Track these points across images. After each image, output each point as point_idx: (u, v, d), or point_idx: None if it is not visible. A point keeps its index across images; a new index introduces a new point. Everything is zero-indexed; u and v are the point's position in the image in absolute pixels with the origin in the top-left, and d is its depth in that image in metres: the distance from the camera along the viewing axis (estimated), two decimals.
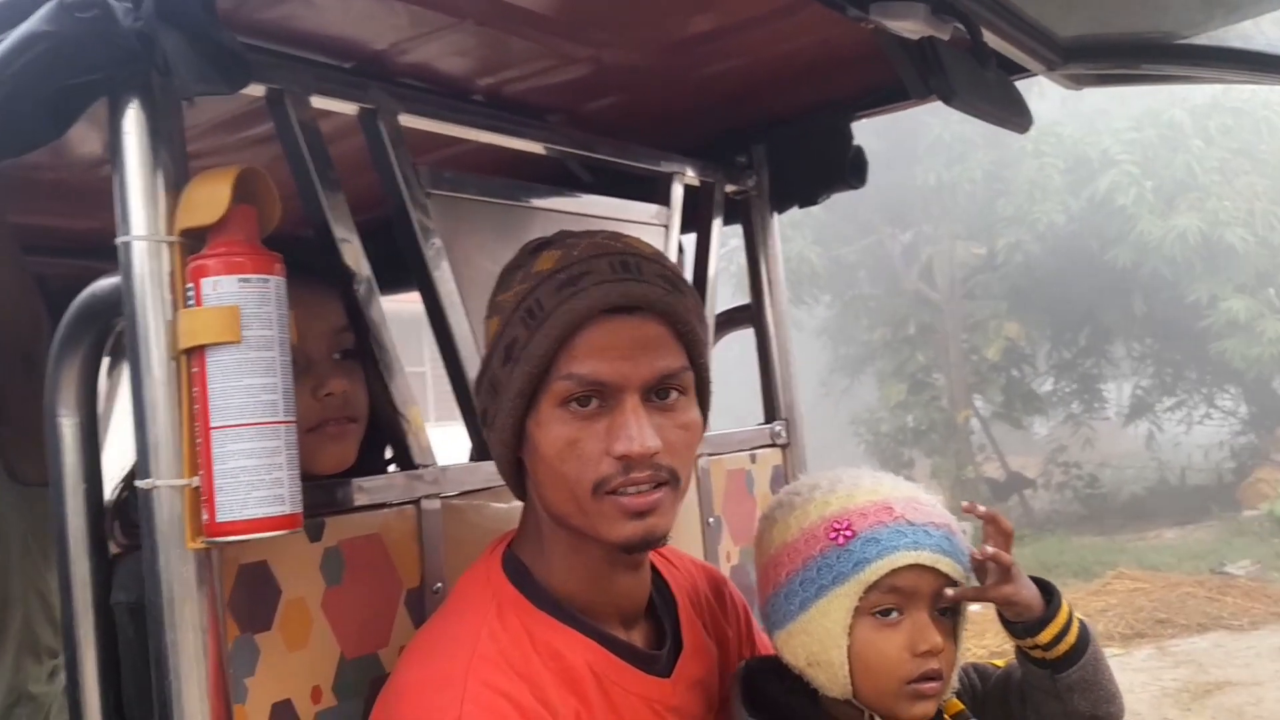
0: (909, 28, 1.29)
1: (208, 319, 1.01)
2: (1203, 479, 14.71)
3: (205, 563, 1.03)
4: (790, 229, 12.95)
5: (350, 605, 1.22)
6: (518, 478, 1.17)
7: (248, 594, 1.12)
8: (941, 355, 14.31)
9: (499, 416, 1.12)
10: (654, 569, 1.27)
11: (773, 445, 2.02)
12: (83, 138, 1.66)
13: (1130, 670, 6.84)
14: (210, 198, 1.02)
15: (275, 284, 1.04)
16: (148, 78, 1.04)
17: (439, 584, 1.32)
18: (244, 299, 1.01)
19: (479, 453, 1.44)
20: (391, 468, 1.40)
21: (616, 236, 1.17)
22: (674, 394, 1.12)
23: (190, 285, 1.02)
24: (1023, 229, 12.81)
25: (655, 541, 1.11)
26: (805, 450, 2.07)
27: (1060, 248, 13.33)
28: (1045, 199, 12.59)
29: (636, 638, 1.21)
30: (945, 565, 1.17)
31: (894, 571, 1.16)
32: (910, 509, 1.19)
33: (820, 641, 1.17)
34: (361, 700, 1.21)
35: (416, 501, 1.31)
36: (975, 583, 1.21)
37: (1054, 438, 15.14)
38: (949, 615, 1.20)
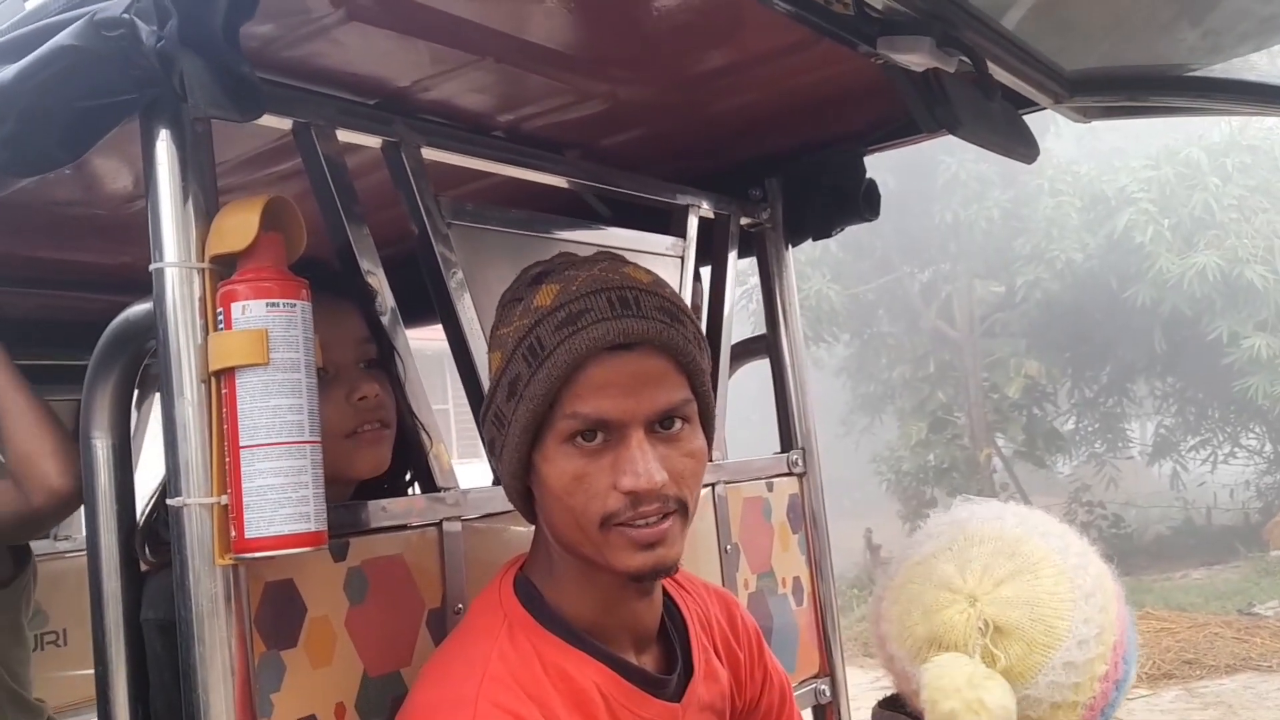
0: (914, 60, 1.32)
1: (237, 342, 1.04)
2: (1229, 519, 14.54)
3: (233, 579, 1.07)
4: (809, 267, 12.99)
5: (373, 624, 1.25)
6: (527, 504, 1.19)
7: (274, 611, 1.14)
8: (962, 393, 14.26)
9: (505, 449, 1.14)
10: (665, 593, 1.29)
11: (789, 474, 2.04)
12: (115, 173, 1.72)
13: (1158, 712, 6.75)
14: (240, 225, 1.06)
15: (302, 308, 1.08)
16: (178, 107, 1.08)
17: (460, 605, 1.34)
18: (272, 322, 1.05)
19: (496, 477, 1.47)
20: (412, 490, 1.43)
21: (615, 267, 1.16)
22: (678, 424, 1.13)
23: (220, 310, 1.06)
24: (1041, 267, 12.80)
25: (665, 571, 1.13)
26: (821, 479, 2.08)
27: (1079, 285, 13.30)
28: (1063, 237, 12.59)
29: (647, 662, 1.23)
30: None
31: None
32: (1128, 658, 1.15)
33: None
34: (383, 718, 1.23)
35: (439, 524, 1.34)
36: None
37: (1077, 477, 15.02)
38: None
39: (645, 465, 1.07)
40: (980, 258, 13.89)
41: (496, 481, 1.47)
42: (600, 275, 1.13)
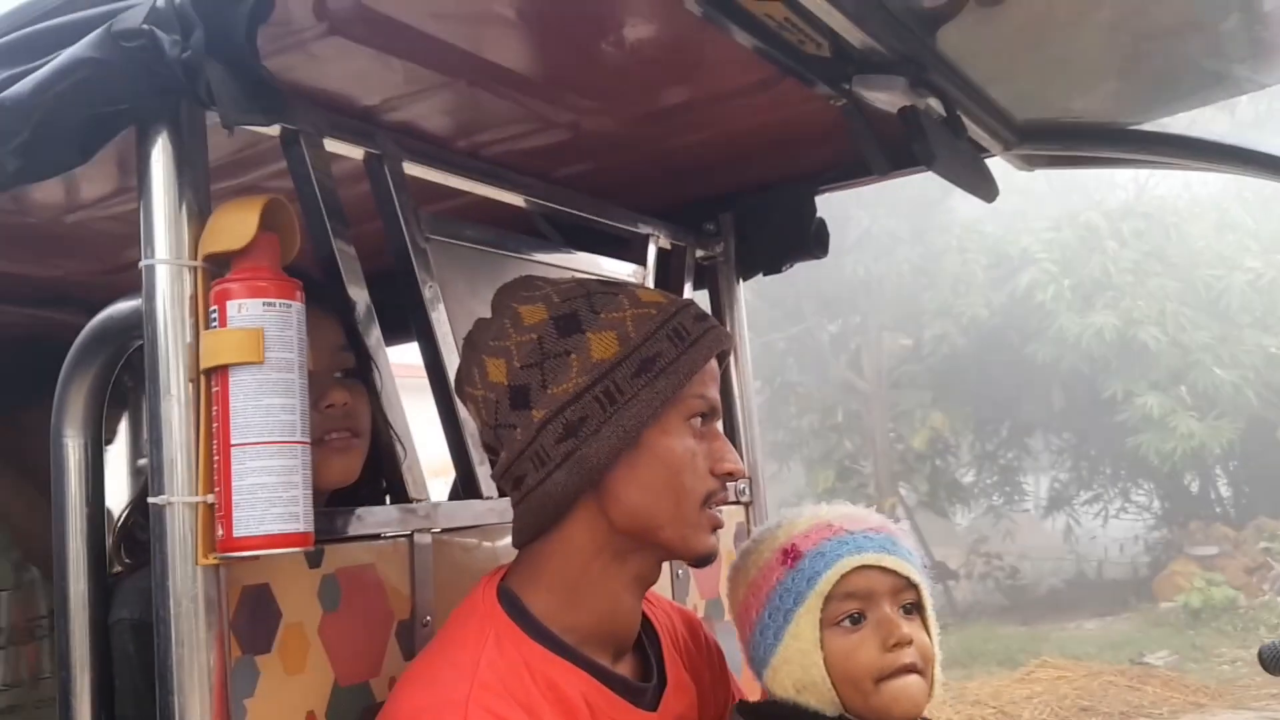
0: (889, 99, 1.38)
1: (232, 340, 1.04)
2: (1119, 572, 15.00)
3: (213, 581, 1.05)
4: None
5: (345, 633, 1.24)
6: (572, 501, 1.18)
7: (250, 615, 1.13)
8: (869, 443, 14.52)
9: (611, 425, 1.16)
10: None
11: (737, 503, 2.07)
12: (47, 187, 1.68)
13: None
14: (237, 224, 1.05)
15: (296, 309, 1.08)
16: (177, 108, 1.08)
17: (429, 617, 1.33)
18: (267, 322, 1.05)
19: (461, 491, 1.47)
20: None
21: None
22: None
23: (215, 307, 1.05)
24: (948, 321, 13.15)
25: (715, 558, 1.24)
26: (766, 509, 2.12)
27: (983, 341, 13.68)
28: (969, 293, 12.97)
29: (625, 670, 1.24)
30: (891, 562, 1.24)
31: (844, 577, 1.22)
32: (848, 521, 1.28)
33: (800, 665, 1.22)
34: None
35: (410, 535, 1.33)
36: (926, 577, 1.27)
37: (975, 528, 15.37)
38: (915, 611, 1.26)
39: (736, 454, 1.23)
40: (889, 311, 14.23)
41: (455, 495, 1.47)
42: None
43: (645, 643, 1.30)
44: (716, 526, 1.22)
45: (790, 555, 1.25)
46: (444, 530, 1.39)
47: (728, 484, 1.23)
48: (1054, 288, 12.32)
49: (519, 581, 1.22)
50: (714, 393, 1.23)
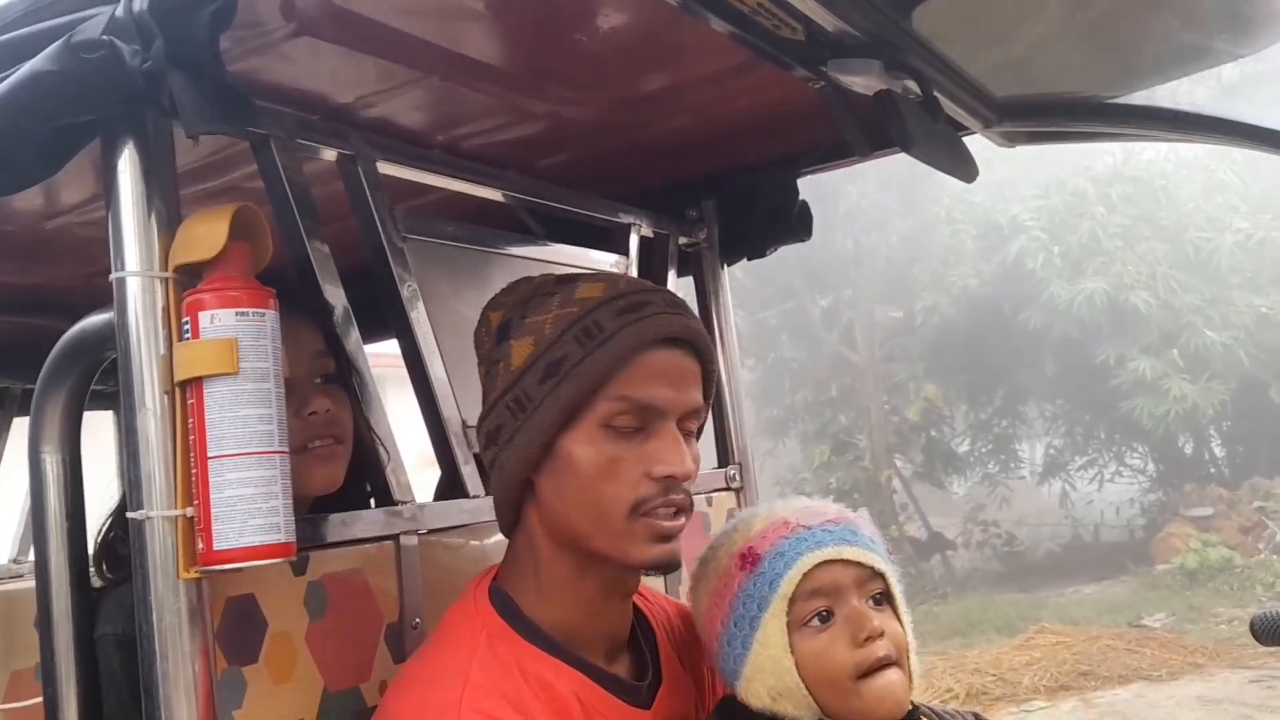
0: (864, 83, 1.37)
1: (206, 351, 1.03)
2: (1116, 535, 15.06)
3: (196, 594, 1.04)
4: None
5: (333, 639, 1.23)
6: (517, 501, 1.19)
7: (235, 626, 1.12)
8: (863, 416, 14.55)
9: (522, 433, 1.14)
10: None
11: (727, 489, 2.07)
12: (28, 193, 1.66)
13: None
14: (208, 234, 1.04)
15: (270, 318, 1.07)
16: (143, 118, 1.07)
17: (417, 620, 1.33)
18: (241, 332, 1.04)
19: (447, 491, 1.46)
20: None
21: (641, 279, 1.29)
22: (696, 428, 1.20)
23: (187, 319, 1.04)
24: (939, 293, 13.15)
25: (674, 566, 1.17)
26: (757, 493, 2.12)
27: (974, 311, 13.68)
28: (959, 264, 12.97)
29: (620, 669, 1.24)
30: (853, 553, 1.20)
31: (806, 576, 1.18)
32: (804, 515, 1.23)
33: (773, 672, 1.18)
34: None
35: (395, 537, 1.32)
36: (892, 564, 1.24)
37: (971, 497, 15.41)
38: (884, 601, 1.22)
39: (680, 454, 1.13)
40: (880, 284, 14.23)
41: (440, 496, 1.46)
42: (638, 280, 1.25)
43: (641, 641, 1.29)
44: (660, 535, 1.14)
45: (748, 559, 1.21)
46: (430, 531, 1.38)
47: (675, 486, 1.14)
48: (1044, 255, 12.31)
49: (509, 581, 1.21)
50: (652, 391, 1.13)
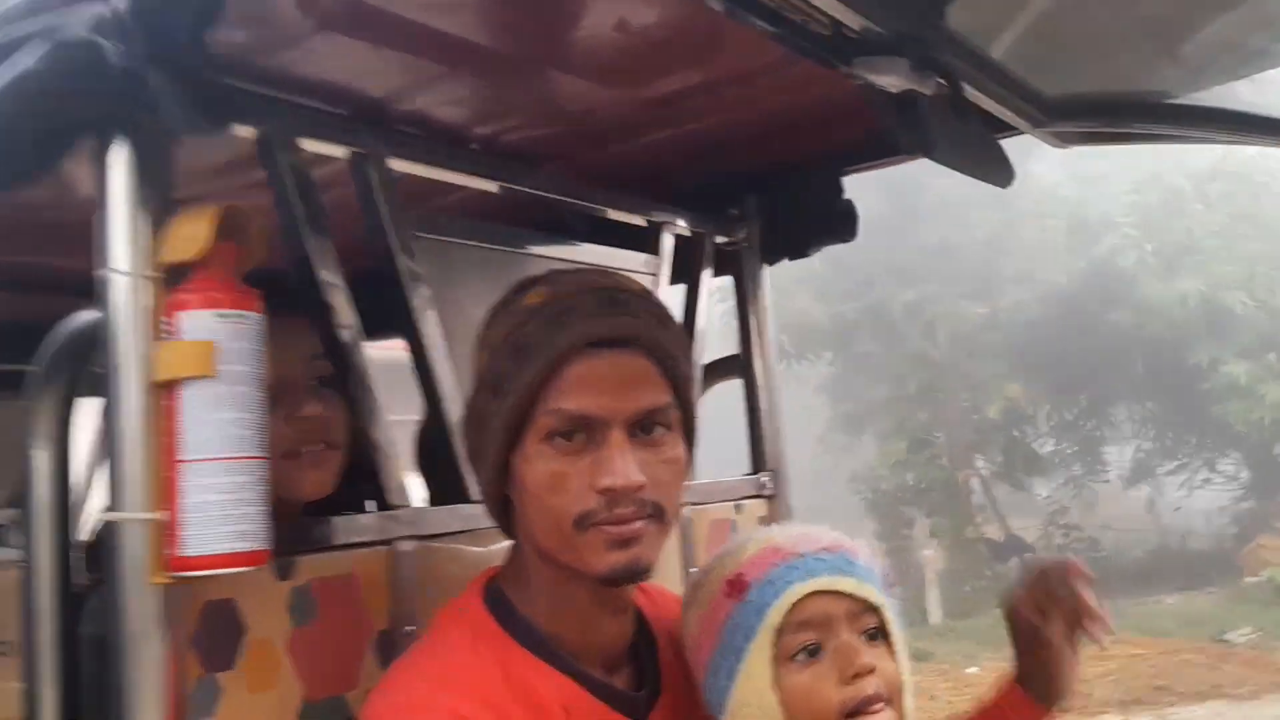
0: (891, 82, 1.30)
1: (183, 352, 1.01)
2: (1204, 544, 14.60)
3: (169, 599, 1.03)
4: (793, 284, 13.01)
5: (318, 646, 1.21)
6: (506, 514, 1.17)
7: (211, 632, 1.11)
8: (942, 414, 14.29)
9: (484, 451, 1.12)
10: (637, 608, 1.26)
11: (759, 496, 2.01)
12: (85, 179, 1.68)
13: None
14: (191, 234, 1.02)
15: (253, 320, 1.05)
16: (135, 115, 1.05)
17: (411, 627, 1.30)
18: (220, 334, 1.02)
19: (441, 496, 1.43)
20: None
21: (606, 274, 1.18)
22: (659, 429, 1.11)
23: (168, 319, 1.03)
24: (1025, 289, 12.87)
25: (639, 573, 1.10)
26: (791, 502, 2.06)
27: (1062, 308, 13.36)
28: (1047, 260, 12.67)
29: (617, 680, 1.19)
30: (847, 585, 1.12)
31: (795, 606, 1.11)
32: (798, 543, 1.16)
33: (757, 707, 1.11)
34: None
35: (391, 542, 1.30)
36: (889, 597, 1.16)
37: (1054, 499, 15.07)
38: (880, 637, 1.14)
39: (623, 464, 1.06)
40: (965, 279, 13.94)
41: (435, 501, 1.44)
42: (590, 278, 1.15)
43: (643, 650, 1.25)
44: (614, 541, 1.07)
45: (736, 586, 1.14)
46: (429, 536, 1.35)
47: (622, 499, 1.06)
48: (1136, 253, 11.98)
49: (506, 580, 1.18)
50: (582, 400, 1.06)
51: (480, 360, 1.15)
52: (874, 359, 14.99)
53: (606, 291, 1.12)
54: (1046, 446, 15.12)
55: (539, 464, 1.08)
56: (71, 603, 1.14)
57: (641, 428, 1.10)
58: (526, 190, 1.71)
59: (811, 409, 15.33)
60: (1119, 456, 16.06)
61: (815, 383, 15.60)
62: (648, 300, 1.16)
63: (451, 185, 1.61)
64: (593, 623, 1.16)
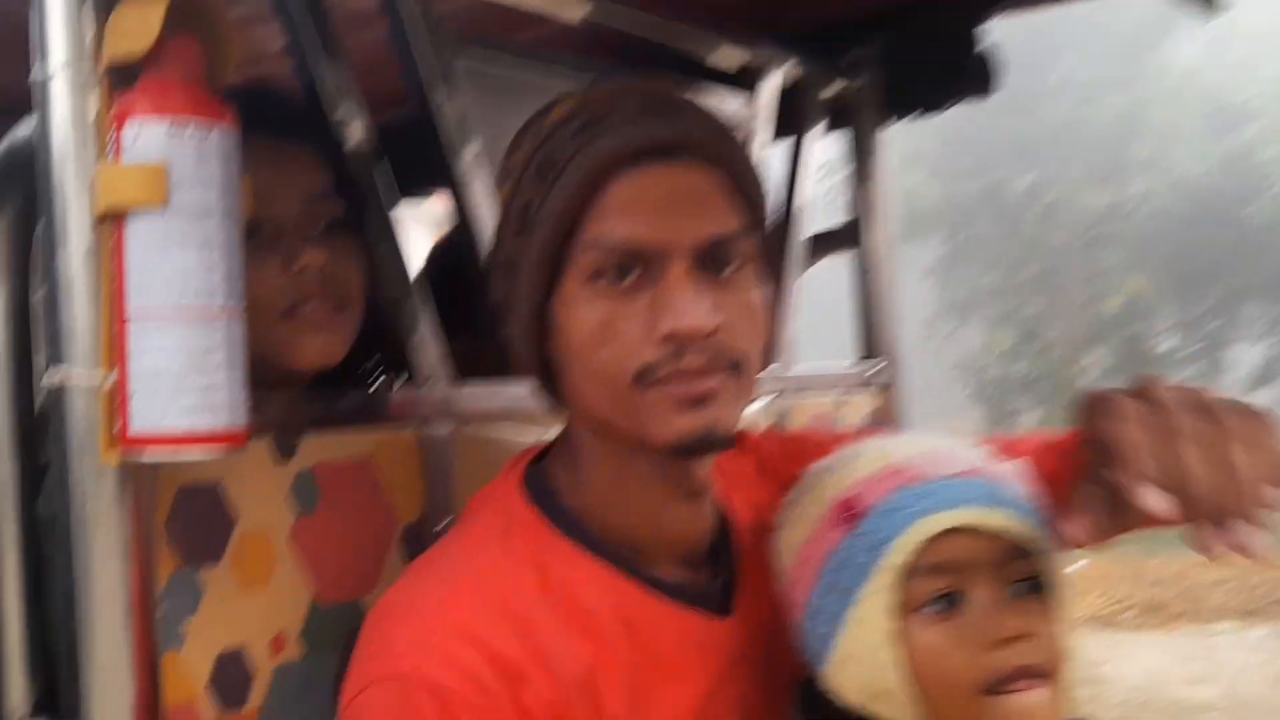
0: None
1: (126, 177, 0.79)
2: None
3: (130, 480, 0.84)
4: (906, 160, 12.46)
5: (329, 542, 1.02)
6: (549, 382, 0.93)
7: (190, 521, 0.91)
8: (1057, 305, 13.70)
9: (515, 303, 0.90)
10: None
11: (870, 386, 1.76)
12: None
13: (1245, 650, 6.45)
14: (139, 21, 0.80)
15: (219, 136, 0.83)
16: None
17: (447, 519, 1.10)
18: (174, 152, 0.80)
19: (461, 369, 1.21)
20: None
21: (651, 81, 0.94)
22: (734, 264, 0.87)
23: (113, 133, 0.81)
24: (1155, 177, 12.14)
25: (717, 441, 0.86)
26: (908, 393, 1.80)
27: (1193, 200, 12.58)
28: (1181, 147, 11.90)
29: (689, 574, 0.97)
30: (996, 520, 0.85)
31: (927, 545, 0.84)
32: (931, 462, 0.88)
33: (869, 666, 0.86)
34: (335, 655, 1.00)
35: (420, 422, 1.09)
36: (1050, 541, 0.87)
37: None
38: (1035, 590, 0.87)
39: (691, 302, 0.83)
40: (1090, 163, 13.16)
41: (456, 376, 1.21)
42: (631, 85, 0.91)
43: (725, 550, 1.00)
44: (683, 400, 0.84)
45: (849, 511, 0.88)
46: (467, 418, 1.14)
47: (690, 346, 0.83)
48: (1278, 146, 11.13)
49: (554, 462, 0.96)
50: (629, 227, 0.84)
51: (503, 195, 0.91)
52: (986, 244, 14.37)
53: (650, 95, 0.88)
54: (1166, 344, 14.46)
55: (584, 310, 0.85)
56: (35, 476, 0.97)
57: (709, 261, 0.85)
58: (599, 15, 1.44)
59: (917, 294, 14.83)
60: (1246, 357, 15.31)
61: (923, 266, 15.04)
62: (704, 108, 0.90)
63: (507, 11, 1.34)
64: (661, 510, 0.92)
